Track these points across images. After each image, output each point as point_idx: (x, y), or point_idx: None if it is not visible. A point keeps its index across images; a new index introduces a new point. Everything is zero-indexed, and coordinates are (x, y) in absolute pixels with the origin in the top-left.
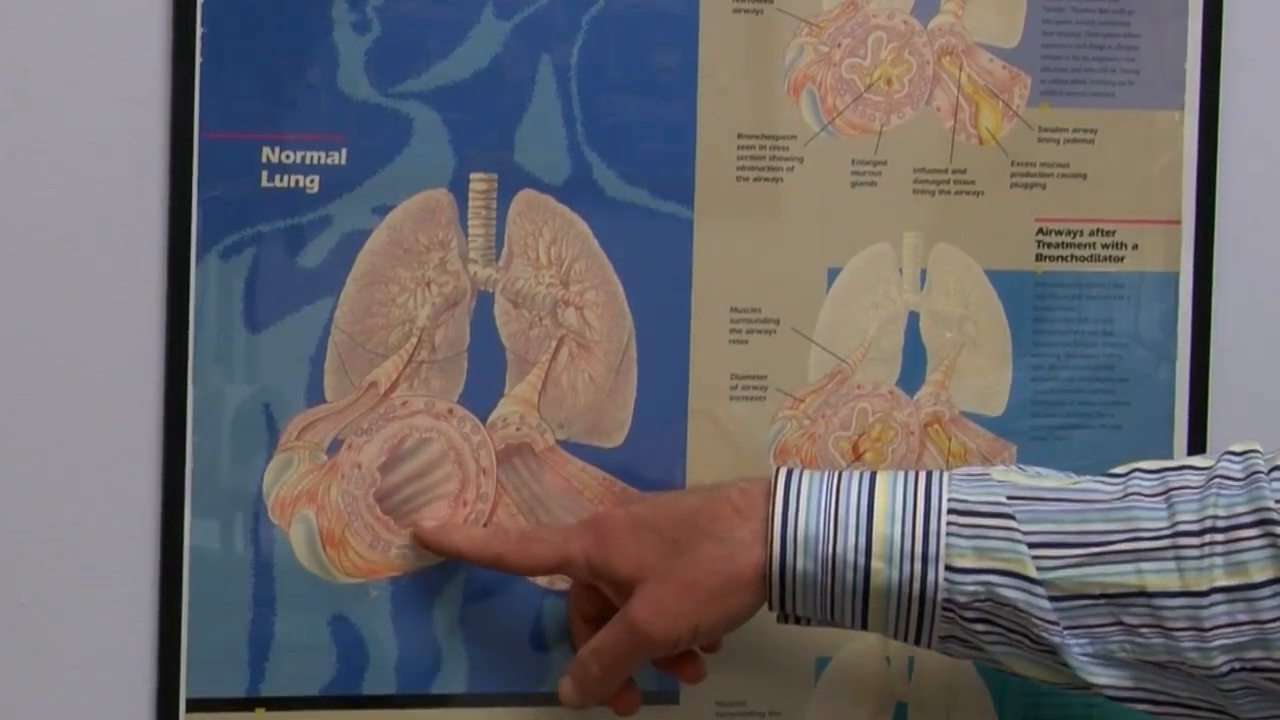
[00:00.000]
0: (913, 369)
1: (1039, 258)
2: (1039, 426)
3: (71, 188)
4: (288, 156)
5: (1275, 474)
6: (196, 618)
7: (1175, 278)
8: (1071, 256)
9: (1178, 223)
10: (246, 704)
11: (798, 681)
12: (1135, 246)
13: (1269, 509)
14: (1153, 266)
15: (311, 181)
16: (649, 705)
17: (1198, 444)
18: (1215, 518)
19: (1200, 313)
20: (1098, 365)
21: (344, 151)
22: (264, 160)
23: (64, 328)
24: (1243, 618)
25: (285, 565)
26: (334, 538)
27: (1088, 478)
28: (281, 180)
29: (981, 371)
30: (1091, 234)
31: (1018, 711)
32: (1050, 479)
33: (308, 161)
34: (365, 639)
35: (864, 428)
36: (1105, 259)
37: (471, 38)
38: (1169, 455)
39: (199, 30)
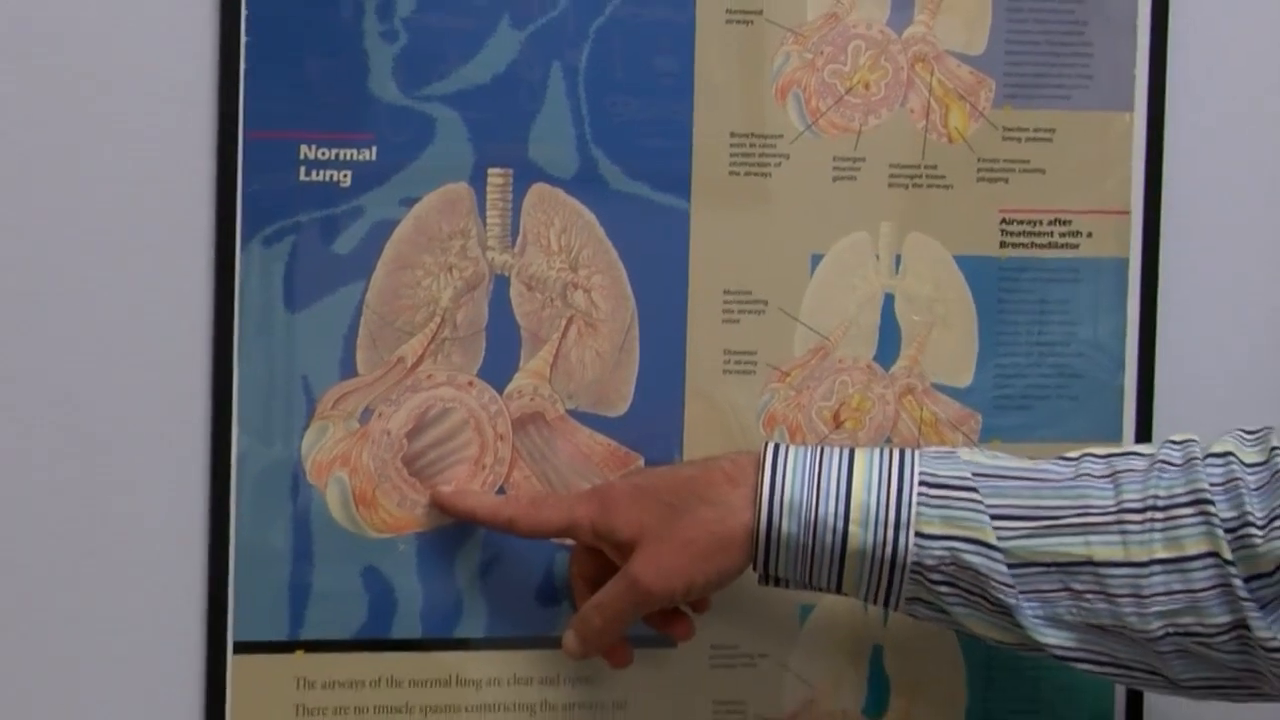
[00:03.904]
0: (888, 345)
1: (1003, 245)
2: (1002, 397)
3: (129, 182)
4: (323, 153)
5: (1210, 460)
6: (243, 569)
7: (1125, 263)
8: (1032, 244)
9: (1127, 213)
10: (288, 646)
11: (784, 627)
12: (1089, 235)
13: (1203, 490)
14: (1105, 253)
15: (344, 176)
16: (650, 649)
17: (1144, 414)
18: (1156, 497)
19: (1147, 295)
20: (1055, 342)
21: (374, 149)
22: (301, 157)
23: (123, 307)
24: (1178, 587)
25: (322, 522)
26: (365, 497)
27: (1043, 460)
28: (317, 175)
29: (950, 347)
30: (1050, 223)
31: (980, 654)
32: (1010, 460)
33: (341, 158)
34: (394, 588)
35: (844, 398)
36: (1062, 246)
37: (489, 46)
38: (1119, 422)
39: (243, 39)
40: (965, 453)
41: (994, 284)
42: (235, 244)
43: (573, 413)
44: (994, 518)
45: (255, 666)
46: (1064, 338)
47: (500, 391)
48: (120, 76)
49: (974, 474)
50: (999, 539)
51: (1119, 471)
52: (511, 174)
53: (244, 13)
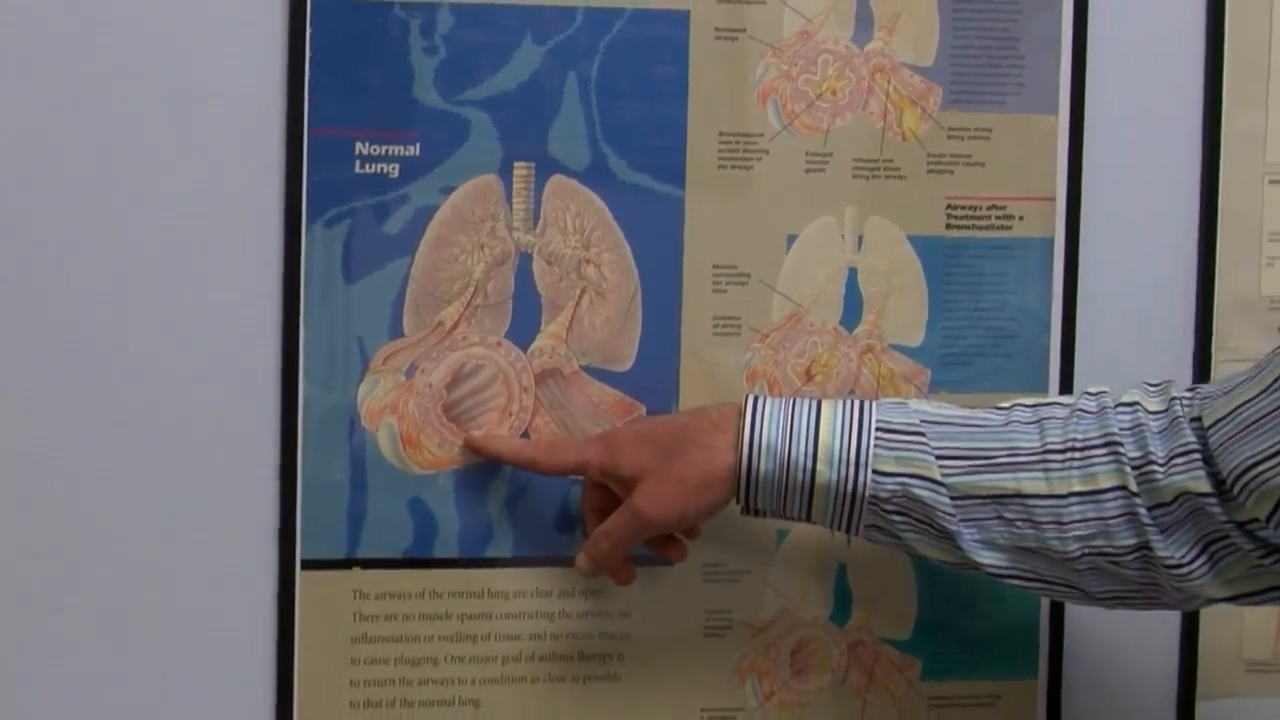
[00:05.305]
0: (852, 311)
1: (948, 226)
2: (947, 354)
3: (209, 173)
4: (375, 149)
5: (1119, 408)
6: (309, 499)
7: (1050, 242)
8: (973, 225)
9: (1052, 199)
10: (346, 564)
11: (764, 548)
12: (1021, 218)
13: (1114, 434)
14: (1033, 233)
15: (393, 169)
16: (650, 568)
17: (1066, 369)
18: (1074, 440)
19: (1069, 269)
20: (991, 308)
21: (418, 145)
22: (357, 152)
23: (206, 279)
24: (1092, 515)
25: (374, 460)
26: (411, 439)
27: (981, 408)
28: (370, 168)
29: (904, 313)
30: (988, 208)
31: (928, 571)
32: (952, 409)
33: (390, 153)
34: (435, 516)
35: (814, 356)
36: (998, 227)
37: (515, 59)
38: (1046, 376)
39: (308, 54)
40: (915, 403)
41: (941, 260)
42: (301, 226)
43: (585, 369)
44: (939, 458)
45: (319, 580)
46: (999, 305)
47: (524, 350)
48: (205, 85)
49: (922, 421)
50: (943, 475)
51: (1043, 418)
52: (534, 167)
53: (309, 32)
